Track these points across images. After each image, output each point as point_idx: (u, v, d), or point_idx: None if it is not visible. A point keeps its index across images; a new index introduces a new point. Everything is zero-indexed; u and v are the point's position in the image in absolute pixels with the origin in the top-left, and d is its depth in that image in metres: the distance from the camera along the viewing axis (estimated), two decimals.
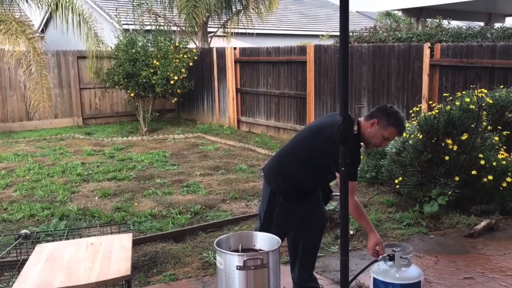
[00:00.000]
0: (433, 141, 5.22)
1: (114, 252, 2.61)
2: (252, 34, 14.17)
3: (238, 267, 2.45)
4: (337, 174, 2.95)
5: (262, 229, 3.12)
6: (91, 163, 8.17)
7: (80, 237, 3.28)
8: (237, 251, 2.66)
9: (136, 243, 4.53)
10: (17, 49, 8.59)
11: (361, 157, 3.29)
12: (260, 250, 2.72)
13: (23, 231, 3.17)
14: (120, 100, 12.70)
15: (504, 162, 5.02)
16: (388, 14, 18.06)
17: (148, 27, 12.01)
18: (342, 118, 2.38)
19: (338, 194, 4.20)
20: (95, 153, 9.10)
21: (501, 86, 6.07)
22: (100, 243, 2.76)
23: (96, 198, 6.25)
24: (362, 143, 3.21)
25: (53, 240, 3.35)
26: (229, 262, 2.49)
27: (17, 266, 2.86)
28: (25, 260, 2.67)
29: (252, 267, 2.46)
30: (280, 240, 2.69)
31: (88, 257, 2.55)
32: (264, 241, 2.76)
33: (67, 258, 2.55)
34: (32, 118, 11.33)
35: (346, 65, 2.40)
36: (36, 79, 8.37)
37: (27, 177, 7.33)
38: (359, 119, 3.22)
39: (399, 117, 3.13)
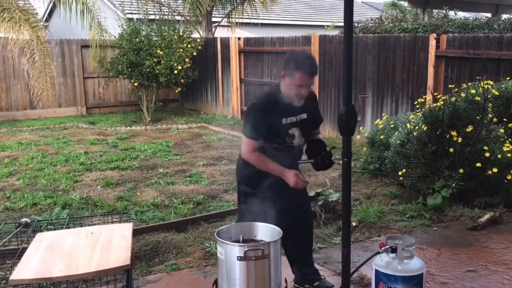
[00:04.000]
0: (438, 133, 5.17)
1: (114, 242, 2.60)
2: (257, 24, 14.07)
3: (238, 258, 2.44)
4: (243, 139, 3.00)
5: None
6: (94, 152, 8.17)
7: (81, 226, 3.27)
8: (238, 241, 2.64)
9: (138, 232, 4.53)
10: (21, 38, 8.56)
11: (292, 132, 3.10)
12: (261, 240, 2.70)
13: (23, 219, 3.17)
14: (124, 89, 12.68)
15: (509, 155, 4.97)
16: (394, 4, 17.93)
17: (152, 17, 11.94)
18: (345, 108, 2.35)
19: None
20: (99, 142, 9.10)
21: (508, 78, 5.99)
22: (100, 232, 2.75)
23: (99, 187, 6.25)
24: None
25: (54, 229, 3.34)
26: (230, 253, 2.47)
27: (17, 254, 2.86)
28: (25, 249, 2.66)
29: (253, 258, 2.44)
30: (281, 231, 2.67)
31: (88, 246, 2.54)
32: (266, 231, 2.74)
33: (67, 247, 2.54)
34: (36, 107, 11.33)
35: (350, 55, 2.37)
36: (39, 68, 8.35)
37: (30, 165, 7.33)
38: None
39: (298, 58, 2.99)
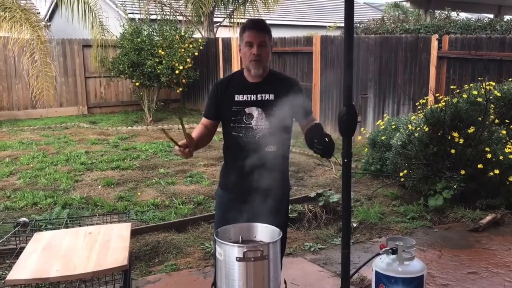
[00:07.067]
0: (439, 134, 5.15)
1: (112, 242, 2.58)
2: None
3: (237, 259, 2.41)
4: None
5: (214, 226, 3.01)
6: (95, 152, 8.16)
7: (80, 226, 3.26)
8: (237, 242, 2.62)
9: (138, 232, 4.52)
10: (21, 37, 8.55)
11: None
12: (260, 241, 2.68)
13: (22, 219, 3.16)
14: (125, 89, 12.67)
15: (511, 156, 4.94)
16: (396, 5, 17.88)
17: (154, 17, 11.94)
18: (346, 108, 2.33)
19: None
20: (100, 142, 9.09)
21: (510, 79, 5.97)
22: (98, 232, 2.73)
23: (100, 187, 6.24)
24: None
25: (53, 229, 3.33)
26: (229, 253, 2.44)
27: (15, 253, 2.85)
28: (23, 248, 2.65)
29: (252, 259, 2.42)
30: (281, 232, 2.64)
31: (86, 246, 2.52)
32: (265, 232, 2.71)
33: (64, 247, 2.53)
34: (36, 106, 11.32)
35: (351, 56, 2.35)
36: (39, 67, 8.35)
37: (31, 165, 7.32)
38: None
39: (245, 23, 2.94)
